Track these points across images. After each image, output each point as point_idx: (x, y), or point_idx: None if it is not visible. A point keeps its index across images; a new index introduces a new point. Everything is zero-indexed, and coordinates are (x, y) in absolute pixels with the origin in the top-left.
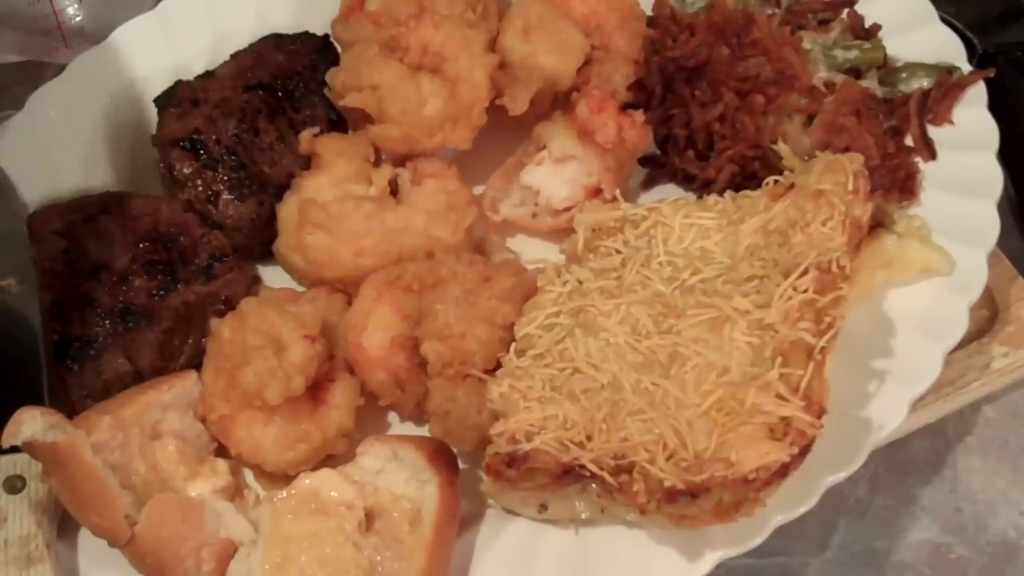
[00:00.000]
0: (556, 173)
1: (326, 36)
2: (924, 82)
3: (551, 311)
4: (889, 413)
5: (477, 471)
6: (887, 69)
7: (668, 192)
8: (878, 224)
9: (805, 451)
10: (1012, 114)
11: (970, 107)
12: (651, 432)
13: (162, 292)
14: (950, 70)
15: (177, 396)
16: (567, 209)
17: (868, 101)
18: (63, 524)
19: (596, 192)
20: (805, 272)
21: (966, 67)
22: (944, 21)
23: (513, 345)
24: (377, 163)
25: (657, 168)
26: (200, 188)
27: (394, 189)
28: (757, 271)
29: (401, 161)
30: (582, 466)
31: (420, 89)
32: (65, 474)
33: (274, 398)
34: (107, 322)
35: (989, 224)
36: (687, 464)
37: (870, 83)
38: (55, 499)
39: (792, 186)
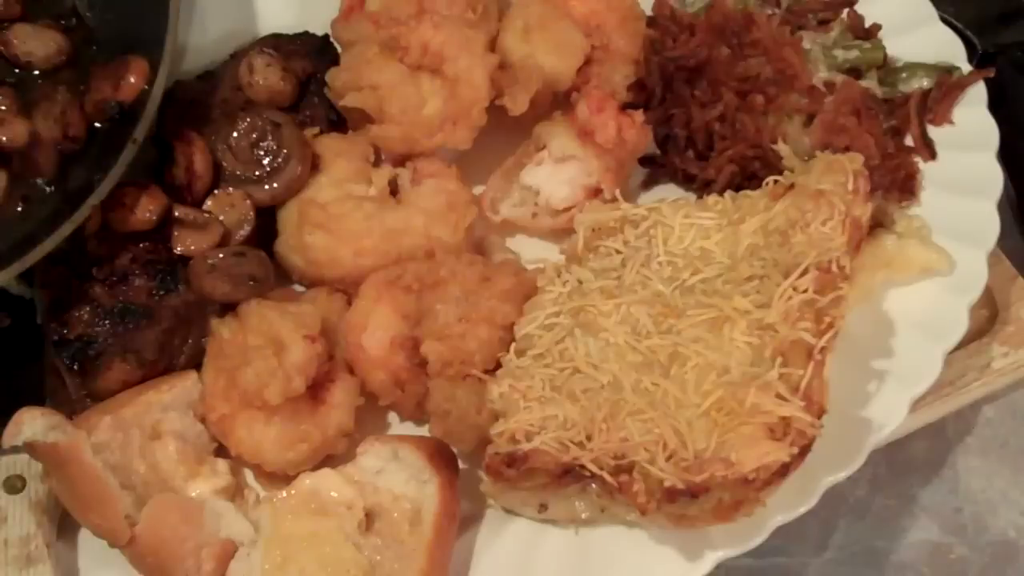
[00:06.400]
0: (556, 173)
1: (326, 36)
2: (924, 82)
3: (551, 311)
4: (889, 413)
5: (477, 471)
6: (887, 69)
7: (668, 192)
8: (878, 224)
9: (805, 451)
10: (1012, 114)
11: (970, 107)
12: (651, 432)
13: (162, 292)
14: (950, 70)
15: (177, 396)
16: (567, 209)
17: (868, 101)
18: (63, 524)
19: (596, 192)
20: (805, 272)
21: (966, 67)
22: (944, 21)
23: (513, 345)
24: (377, 163)
25: (657, 168)
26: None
27: (394, 189)
28: (757, 271)
29: (401, 161)
30: (582, 466)
31: (420, 89)
32: (65, 474)
33: (274, 398)
34: (107, 322)
35: (989, 224)
36: (687, 464)
37: (870, 83)
38: (55, 499)
39: (792, 186)
